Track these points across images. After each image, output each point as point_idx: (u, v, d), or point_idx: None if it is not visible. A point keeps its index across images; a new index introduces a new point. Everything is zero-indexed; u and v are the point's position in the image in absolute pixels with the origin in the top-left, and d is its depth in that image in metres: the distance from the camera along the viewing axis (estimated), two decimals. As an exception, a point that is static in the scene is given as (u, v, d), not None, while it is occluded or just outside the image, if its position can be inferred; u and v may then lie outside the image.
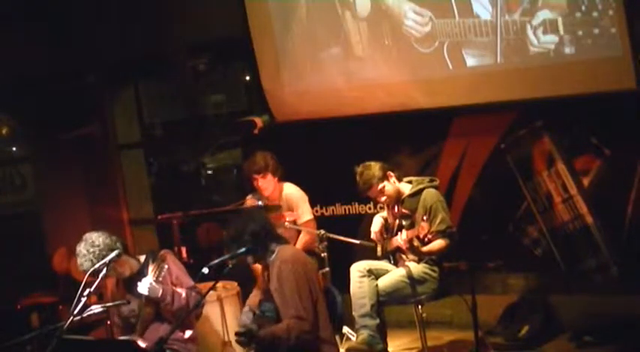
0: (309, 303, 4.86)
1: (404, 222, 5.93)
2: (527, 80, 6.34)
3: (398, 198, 6.06)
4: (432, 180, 6.09)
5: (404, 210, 5.98)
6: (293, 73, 7.30)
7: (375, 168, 5.97)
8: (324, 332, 4.98)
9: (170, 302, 5.21)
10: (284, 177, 6.73)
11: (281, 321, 4.93)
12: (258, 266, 6.50)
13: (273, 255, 5.02)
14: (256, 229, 5.02)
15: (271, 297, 5.01)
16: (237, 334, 4.93)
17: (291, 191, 6.67)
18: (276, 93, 7.42)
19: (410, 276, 5.87)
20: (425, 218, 5.64)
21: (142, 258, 5.48)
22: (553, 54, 6.19)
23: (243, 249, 5.02)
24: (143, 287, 5.19)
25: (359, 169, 6.02)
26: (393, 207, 6.13)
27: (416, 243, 5.66)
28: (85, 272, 5.13)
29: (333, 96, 7.14)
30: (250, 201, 6.75)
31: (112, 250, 5.21)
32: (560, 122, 6.47)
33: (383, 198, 6.07)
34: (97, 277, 5.07)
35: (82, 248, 5.26)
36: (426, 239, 5.59)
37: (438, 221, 5.74)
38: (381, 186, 5.98)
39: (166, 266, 5.25)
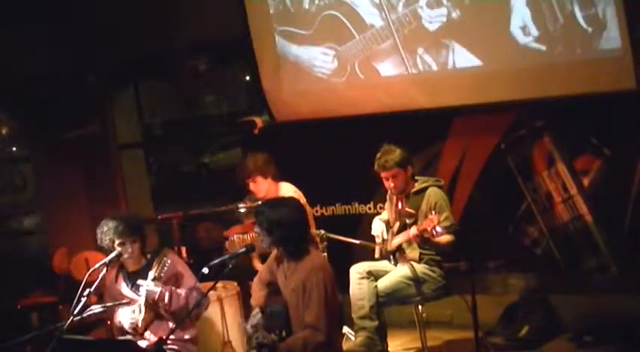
0: (330, 316, 4.83)
1: (407, 221, 5.92)
2: (527, 80, 6.34)
3: (403, 192, 6.03)
4: (437, 180, 6.08)
5: (408, 210, 5.97)
6: (292, 72, 7.31)
7: (399, 154, 5.92)
8: (338, 342, 5.00)
9: (168, 303, 5.21)
10: (282, 177, 6.73)
11: (290, 322, 4.93)
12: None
13: (303, 257, 4.95)
14: (297, 221, 4.97)
15: (280, 296, 4.99)
16: (260, 344, 4.91)
17: (288, 191, 6.66)
18: (275, 93, 7.42)
19: (409, 277, 5.86)
20: (433, 212, 5.61)
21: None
22: (553, 54, 6.20)
23: (243, 249, 5.01)
24: (142, 288, 5.19)
25: (384, 148, 5.99)
26: (397, 203, 6.11)
27: (427, 234, 5.62)
28: None
29: (332, 96, 7.14)
30: (249, 203, 6.74)
31: None
32: (560, 122, 6.47)
33: (391, 185, 6.02)
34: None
35: None
36: (434, 232, 5.54)
37: (442, 218, 5.71)
38: (396, 171, 5.95)
39: (169, 261, 5.26)
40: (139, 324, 5.28)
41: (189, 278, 5.38)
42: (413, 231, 5.68)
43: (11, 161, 10.24)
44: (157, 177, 9.15)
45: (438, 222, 5.46)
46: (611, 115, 6.18)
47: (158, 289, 5.19)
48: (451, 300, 6.06)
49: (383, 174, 5.99)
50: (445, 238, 5.72)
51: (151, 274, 5.24)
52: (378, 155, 5.98)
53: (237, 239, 6.71)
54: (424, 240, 5.69)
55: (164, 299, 5.20)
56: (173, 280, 5.35)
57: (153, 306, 5.26)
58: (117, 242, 5.30)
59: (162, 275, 5.22)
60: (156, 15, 7.91)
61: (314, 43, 7.13)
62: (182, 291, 5.28)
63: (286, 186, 6.69)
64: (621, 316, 6.18)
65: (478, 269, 6.60)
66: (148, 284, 5.18)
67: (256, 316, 5.09)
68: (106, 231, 5.32)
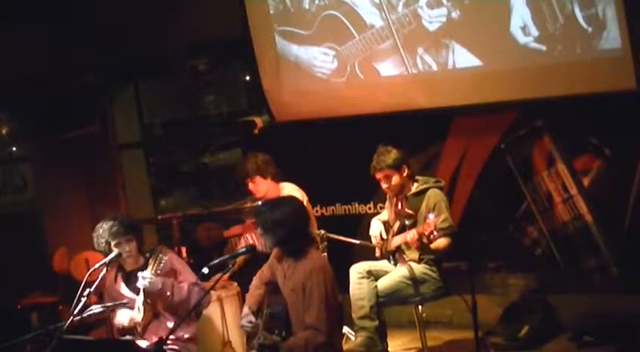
0: (330, 316, 4.83)
1: (406, 222, 5.91)
2: (527, 80, 6.34)
3: (401, 193, 6.03)
4: (437, 181, 6.08)
5: (407, 210, 5.96)
6: (292, 72, 7.31)
7: (392, 155, 5.93)
8: (338, 343, 5.00)
9: (170, 295, 5.19)
10: (283, 177, 6.73)
11: (290, 322, 4.92)
12: None
13: (304, 257, 4.96)
14: (297, 221, 4.97)
15: (281, 296, 4.98)
16: (261, 345, 4.90)
17: (291, 191, 6.67)
18: (275, 94, 7.43)
19: (409, 277, 5.86)
20: (431, 215, 5.61)
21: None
22: (553, 54, 6.20)
23: (243, 249, 5.02)
24: (143, 281, 5.17)
25: (379, 149, 6.01)
26: (397, 204, 6.11)
27: (425, 240, 5.62)
28: None
29: (333, 96, 7.15)
30: (249, 203, 6.74)
31: None
32: (560, 122, 6.47)
33: (385, 186, 6.03)
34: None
35: None
36: (432, 236, 5.55)
37: (441, 220, 5.71)
38: (388, 172, 5.96)
39: (165, 258, 5.25)
40: (139, 323, 5.28)
41: (188, 275, 5.38)
42: (411, 235, 5.68)
43: (11, 161, 10.22)
44: (157, 177, 9.14)
45: (435, 226, 5.46)
46: (611, 115, 6.18)
47: (160, 281, 5.18)
48: (451, 300, 6.07)
49: (376, 176, 6.00)
50: (442, 243, 5.73)
51: (147, 272, 5.23)
52: (374, 156, 5.99)
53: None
54: (422, 246, 5.69)
55: (166, 292, 5.18)
56: (171, 277, 5.34)
57: (152, 304, 5.25)
58: (113, 243, 5.30)
59: (158, 271, 5.22)
60: (156, 15, 7.91)
61: (314, 43, 7.13)
62: (184, 284, 5.27)
63: (288, 186, 6.69)
64: (621, 316, 6.18)
65: (478, 269, 6.60)
66: (151, 277, 5.16)
67: (247, 316, 5.11)
68: (101, 233, 5.33)
